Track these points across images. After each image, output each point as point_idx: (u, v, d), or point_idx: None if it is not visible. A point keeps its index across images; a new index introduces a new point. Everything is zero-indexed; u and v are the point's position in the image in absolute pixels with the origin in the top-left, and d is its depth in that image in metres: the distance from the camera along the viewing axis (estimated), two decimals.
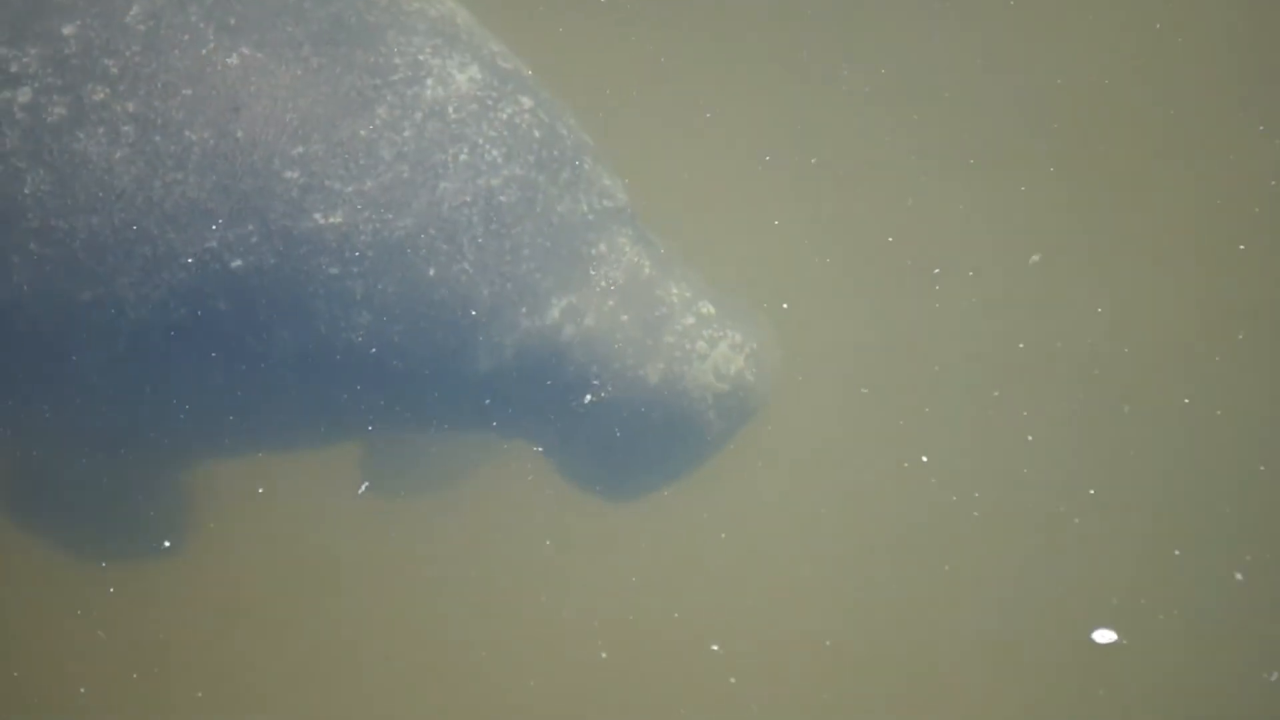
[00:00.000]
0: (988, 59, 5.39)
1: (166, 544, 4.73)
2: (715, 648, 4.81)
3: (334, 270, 4.03)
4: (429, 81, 4.14)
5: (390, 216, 4.04)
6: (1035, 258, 5.12)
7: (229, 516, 4.86)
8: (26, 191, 4.00)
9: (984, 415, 4.98)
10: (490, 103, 4.20)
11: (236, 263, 4.01)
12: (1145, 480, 4.95)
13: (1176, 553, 4.87)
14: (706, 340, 4.29)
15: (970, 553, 4.89)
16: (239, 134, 4.00)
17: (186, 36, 4.05)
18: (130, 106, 4.00)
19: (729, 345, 4.31)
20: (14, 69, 4.02)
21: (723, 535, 4.89)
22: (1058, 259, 5.13)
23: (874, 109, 5.33)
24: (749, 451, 4.94)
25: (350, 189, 4.02)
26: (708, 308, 4.33)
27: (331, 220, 4.02)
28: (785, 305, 5.04)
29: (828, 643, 4.83)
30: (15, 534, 4.69)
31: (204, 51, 4.04)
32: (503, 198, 4.12)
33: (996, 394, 5.00)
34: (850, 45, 5.41)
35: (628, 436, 4.28)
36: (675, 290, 4.30)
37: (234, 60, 4.04)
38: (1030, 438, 4.94)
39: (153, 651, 4.80)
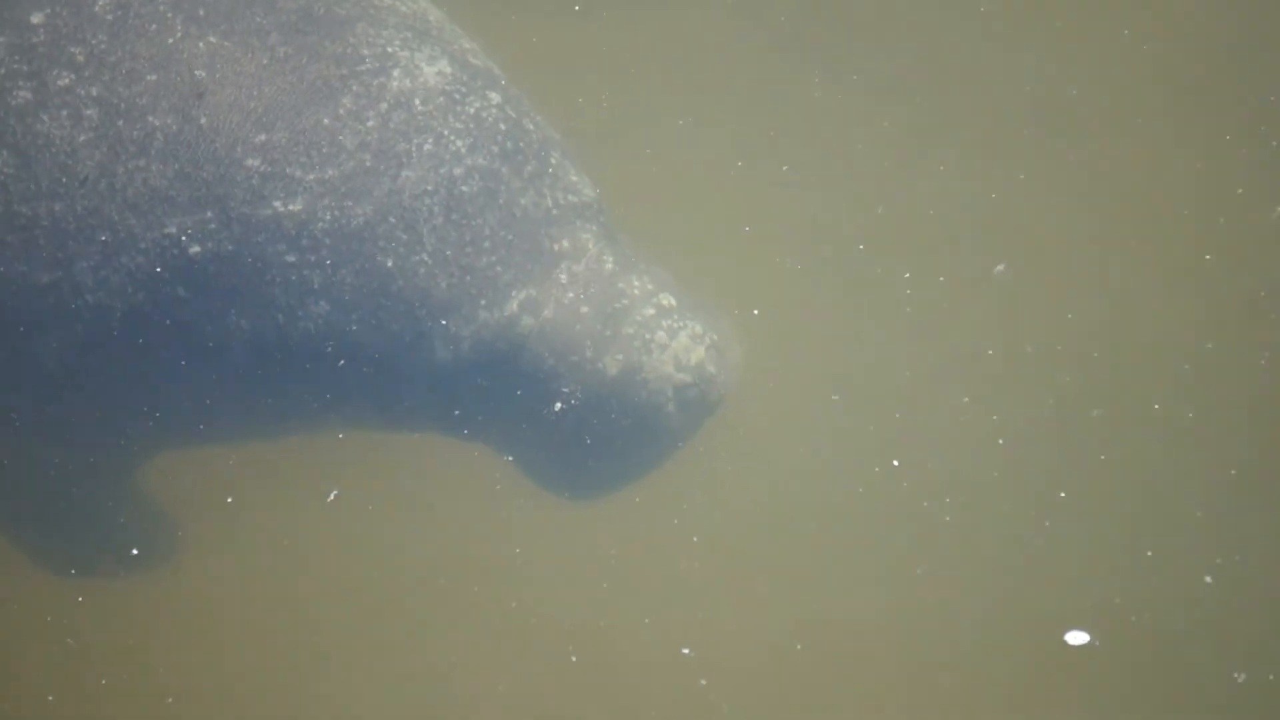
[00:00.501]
0: (959, 66, 5.45)
1: (134, 551, 4.73)
2: (685, 651, 4.82)
3: (291, 258, 4.02)
4: (396, 73, 4.14)
5: (350, 204, 4.03)
6: (1000, 268, 5.14)
7: (198, 522, 4.87)
8: None
9: (955, 420, 5.00)
10: (458, 96, 4.19)
11: (195, 249, 3.99)
12: (1116, 484, 4.96)
13: (1149, 554, 4.90)
14: (666, 331, 4.27)
15: (942, 556, 4.89)
16: (202, 120, 4.00)
17: (154, 26, 4.05)
18: (94, 91, 4.00)
19: (689, 335, 4.29)
20: None
21: (695, 539, 4.89)
22: (1028, 265, 5.16)
23: (846, 115, 5.35)
24: (721, 456, 4.96)
25: (311, 177, 4.02)
26: (669, 299, 4.31)
27: (291, 208, 4.01)
28: (755, 311, 5.05)
29: (799, 646, 4.84)
30: None
31: (171, 40, 4.04)
32: (465, 188, 4.11)
33: (966, 399, 5.02)
34: (824, 51, 5.45)
35: (588, 429, 4.26)
36: (637, 283, 4.29)
37: (201, 48, 4.04)
38: (1001, 441, 4.96)
39: (121, 658, 4.80)
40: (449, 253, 4.08)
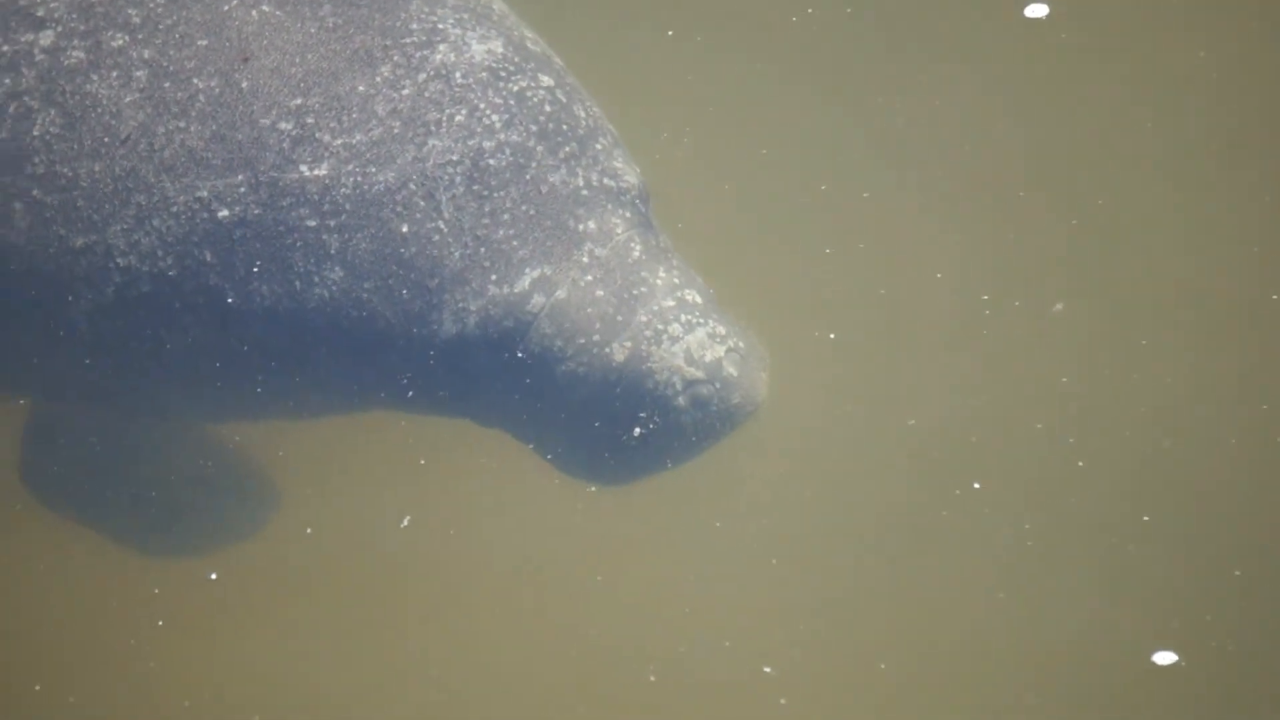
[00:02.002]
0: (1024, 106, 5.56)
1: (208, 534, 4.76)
2: (767, 669, 4.81)
3: (312, 223, 4.02)
4: (442, 47, 4.14)
5: (373, 170, 4.03)
6: (1058, 306, 5.19)
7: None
8: (35, 134, 4.07)
9: (1032, 446, 5.03)
10: (504, 74, 4.17)
11: (223, 213, 4.03)
12: (1198, 507, 4.99)
13: (1237, 573, 4.91)
14: (683, 325, 4.14)
15: (1025, 580, 4.87)
16: (244, 84, 4.06)
17: None
18: (146, 53, 4.08)
19: (707, 333, 4.16)
20: (40, 13, 4.13)
21: (773, 561, 4.90)
22: (1103, 295, 5.22)
23: (925, 145, 5.41)
24: (796, 485, 4.96)
25: (339, 142, 4.03)
26: (693, 295, 4.19)
27: (316, 172, 4.02)
28: (832, 335, 5.08)
29: (883, 665, 4.82)
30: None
31: (226, 7, 4.12)
32: (492, 160, 4.08)
33: (1040, 426, 5.05)
34: (893, 91, 5.55)
35: (594, 416, 4.15)
36: (663, 274, 4.17)
37: (253, 15, 4.11)
38: (1080, 464, 4.99)
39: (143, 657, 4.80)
40: (465, 223, 4.04)
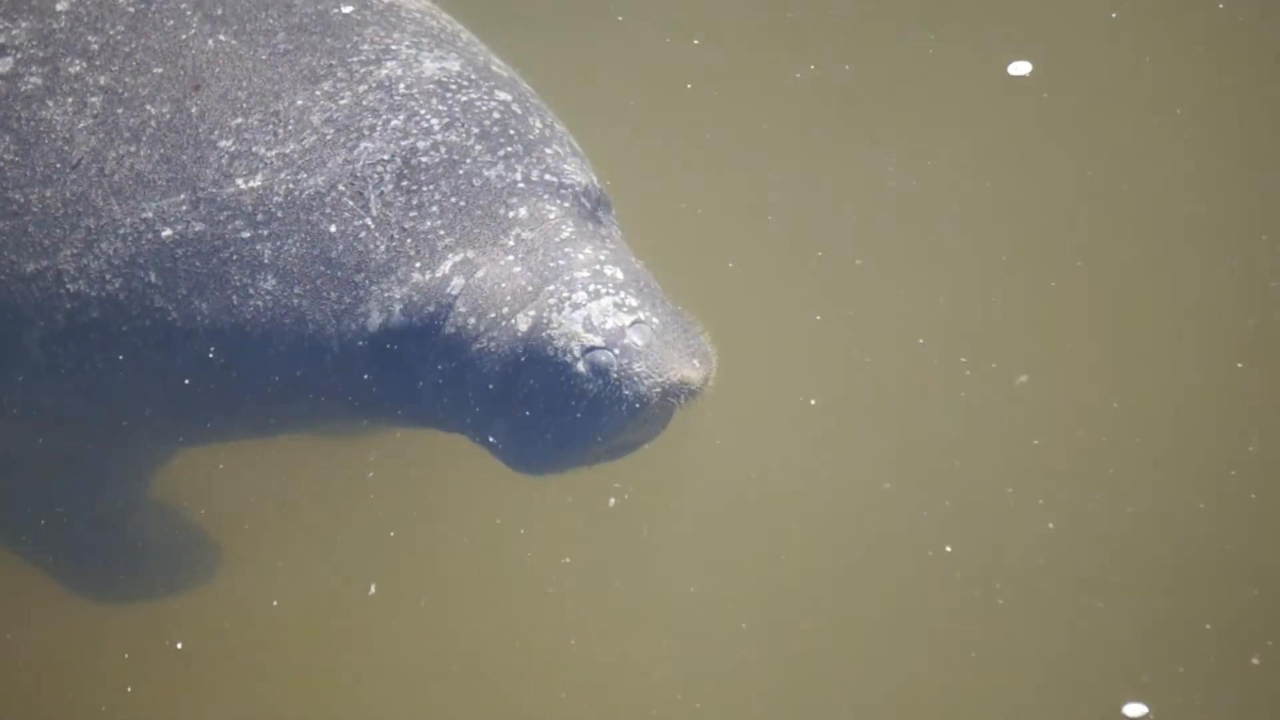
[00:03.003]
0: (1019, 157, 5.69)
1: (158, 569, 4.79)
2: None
3: (246, 234, 4.02)
4: (390, 64, 4.15)
5: (304, 176, 4.02)
6: (1023, 378, 5.26)
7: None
8: None
9: (1003, 508, 5.07)
10: (454, 88, 4.16)
11: (166, 232, 4.04)
12: (1167, 566, 5.04)
13: (1207, 627, 4.94)
14: (589, 293, 4.00)
15: (995, 639, 4.89)
16: (193, 109, 4.09)
17: (171, 21, 4.19)
18: (102, 80, 4.13)
19: (614, 302, 4.00)
20: (1, 40, 4.20)
21: (743, 625, 4.95)
22: (1077, 352, 5.27)
23: (912, 202, 5.48)
24: (768, 539, 5.00)
25: (273, 153, 4.04)
26: (614, 271, 4.06)
27: (251, 184, 4.03)
28: (812, 401, 5.09)
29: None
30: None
31: (184, 36, 4.17)
32: (424, 159, 4.05)
33: (1011, 490, 5.11)
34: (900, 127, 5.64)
35: (509, 393, 4.03)
36: (588, 250, 4.08)
37: (209, 45, 4.15)
38: (1051, 526, 5.03)
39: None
40: (392, 217, 4.01)
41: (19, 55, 4.18)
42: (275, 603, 4.89)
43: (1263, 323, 5.26)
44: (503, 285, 4.00)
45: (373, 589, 4.85)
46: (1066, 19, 5.74)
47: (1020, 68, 5.64)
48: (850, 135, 5.61)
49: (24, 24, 4.21)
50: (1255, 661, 4.83)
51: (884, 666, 4.90)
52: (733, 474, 5.05)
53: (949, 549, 4.97)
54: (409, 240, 4.01)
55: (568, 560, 4.91)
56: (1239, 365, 5.21)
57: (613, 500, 4.85)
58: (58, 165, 4.10)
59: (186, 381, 4.13)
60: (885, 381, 5.18)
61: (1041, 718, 4.83)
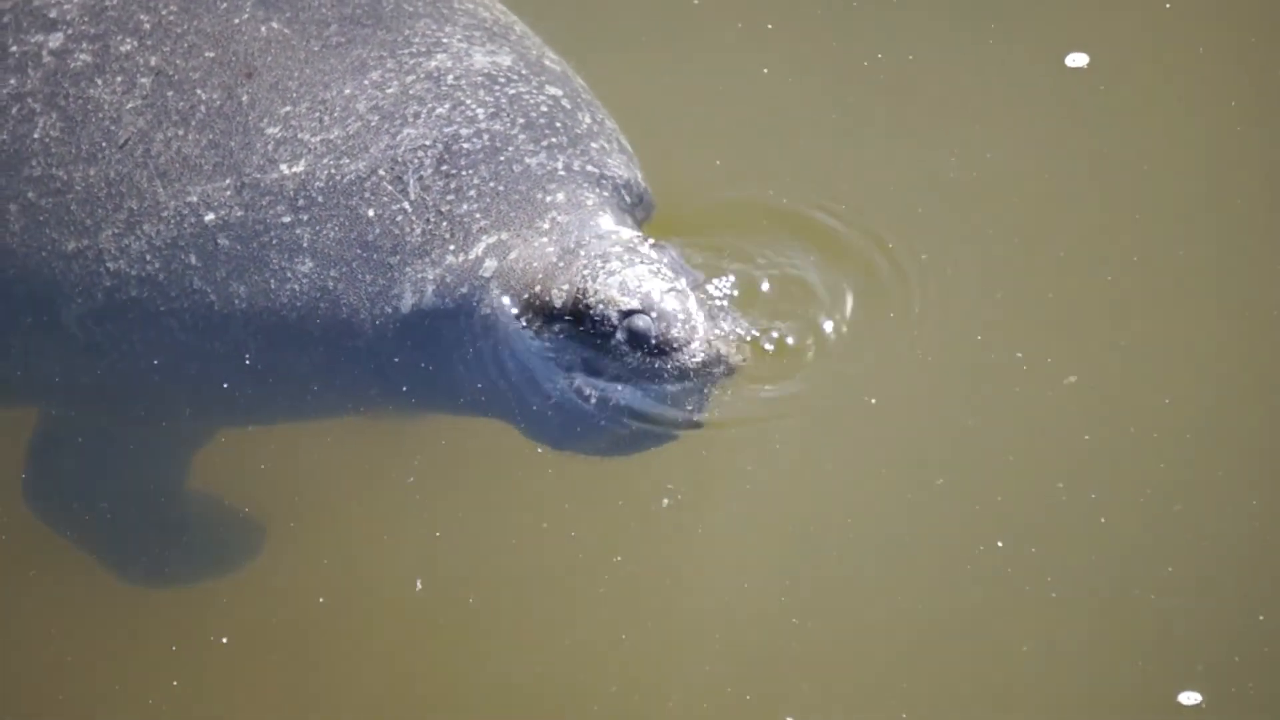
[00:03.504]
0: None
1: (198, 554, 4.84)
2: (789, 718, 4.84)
3: (287, 219, 4.05)
4: (440, 55, 4.17)
5: (346, 161, 4.04)
6: (1071, 379, 5.23)
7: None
8: (35, 136, 4.13)
9: (1054, 503, 5.06)
10: (503, 81, 4.17)
11: (209, 216, 4.06)
12: (1221, 557, 5.01)
13: (1261, 618, 4.91)
14: (622, 261, 4.00)
15: (1048, 632, 4.87)
16: (244, 97, 4.11)
17: (224, 4, 4.20)
18: (153, 60, 4.14)
19: (650, 271, 3.99)
20: (53, 14, 4.19)
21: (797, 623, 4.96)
22: (1131, 347, 5.23)
23: (969, 200, 5.48)
24: (826, 542, 4.99)
25: (317, 139, 4.06)
26: (648, 249, 4.04)
27: (294, 170, 4.05)
28: (873, 401, 5.11)
29: (904, 716, 4.85)
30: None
31: (237, 20, 4.18)
32: (466, 145, 4.07)
33: (1061, 485, 5.10)
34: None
35: (549, 371, 4.04)
36: (623, 232, 4.07)
37: (262, 31, 4.16)
38: (1103, 520, 5.02)
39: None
40: (430, 200, 4.03)
41: (70, 31, 4.18)
42: (321, 599, 4.93)
43: None
44: (535, 264, 4.00)
45: (419, 585, 4.88)
46: (1123, 10, 5.73)
47: (1077, 59, 5.63)
48: (911, 127, 5.62)
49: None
50: None
51: (937, 660, 4.89)
52: (786, 472, 5.05)
53: (1000, 544, 4.95)
54: (444, 223, 4.03)
55: (619, 559, 4.93)
56: None
57: (666, 500, 4.87)
58: (103, 145, 4.11)
59: (222, 363, 4.16)
60: (942, 377, 5.16)
61: (1096, 707, 4.80)
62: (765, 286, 4.94)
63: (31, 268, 4.15)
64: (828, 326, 5.03)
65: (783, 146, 5.57)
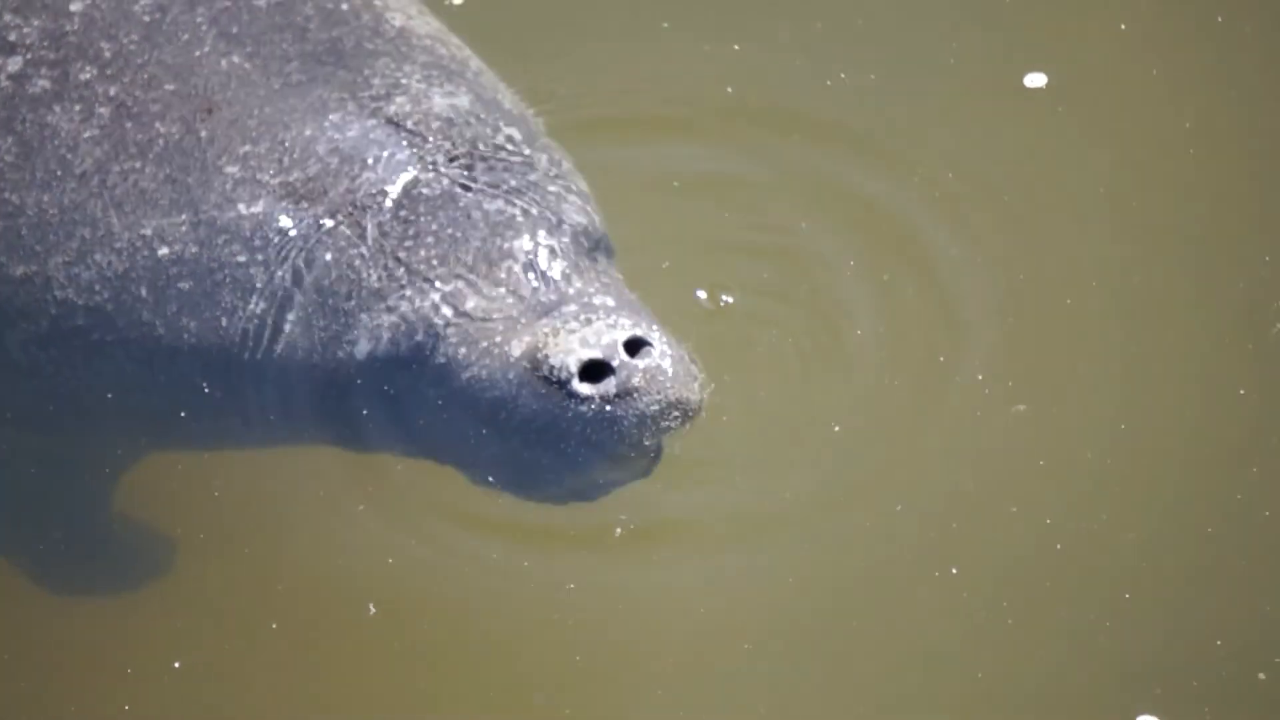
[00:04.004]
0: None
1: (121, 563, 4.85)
2: None
3: (242, 258, 4.03)
4: (400, 99, 4.17)
5: (305, 204, 4.04)
6: (1020, 407, 5.26)
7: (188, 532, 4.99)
8: None
9: (1008, 528, 5.11)
10: (460, 123, 4.19)
11: (163, 251, 4.04)
12: (1181, 585, 5.06)
13: (1218, 643, 4.96)
14: (580, 321, 4.00)
15: (1003, 657, 4.89)
16: (203, 133, 4.08)
17: (186, 35, 4.17)
18: (112, 90, 4.11)
19: (607, 325, 3.98)
20: (12, 37, 4.16)
21: (745, 648, 4.99)
22: (1087, 371, 5.25)
23: (927, 223, 5.50)
24: (777, 556, 5.01)
25: (277, 180, 4.05)
26: (605, 300, 4.06)
27: (252, 210, 4.03)
28: (836, 428, 5.11)
29: None
30: None
31: (198, 53, 4.16)
32: (424, 189, 4.07)
33: (1015, 509, 5.13)
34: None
35: (507, 420, 4.03)
36: (578, 284, 4.08)
37: (223, 65, 4.15)
38: (1059, 547, 5.06)
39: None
40: (387, 246, 4.02)
41: (29, 55, 4.16)
42: (274, 625, 4.94)
43: (1260, 346, 5.27)
44: (494, 315, 4.01)
45: (372, 609, 4.90)
46: (1081, 31, 5.77)
47: (1036, 79, 5.67)
48: (874, 145, 5.63)
49: (36, 22, 4.19)
50: (1262, 677, 4.84)
51: (892, 687, 4.91)
52: (740, 497, 5.07)
53: (954, 571, 4.99)
54: (401, 269, 4.02)
55: (571, 586, 4.95)
56: (1240, 391, 5.21)
57: (619, 530, 4.90)
58: (58, 172, 4.10)
59: (166, 395, 4.15)
60: (905, 402, 5.19)
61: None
62: (728, 301, 4.97)
63: None
64: (789, 350, 5.07)
65: (736, 169, 5.59)
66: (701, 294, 5.19)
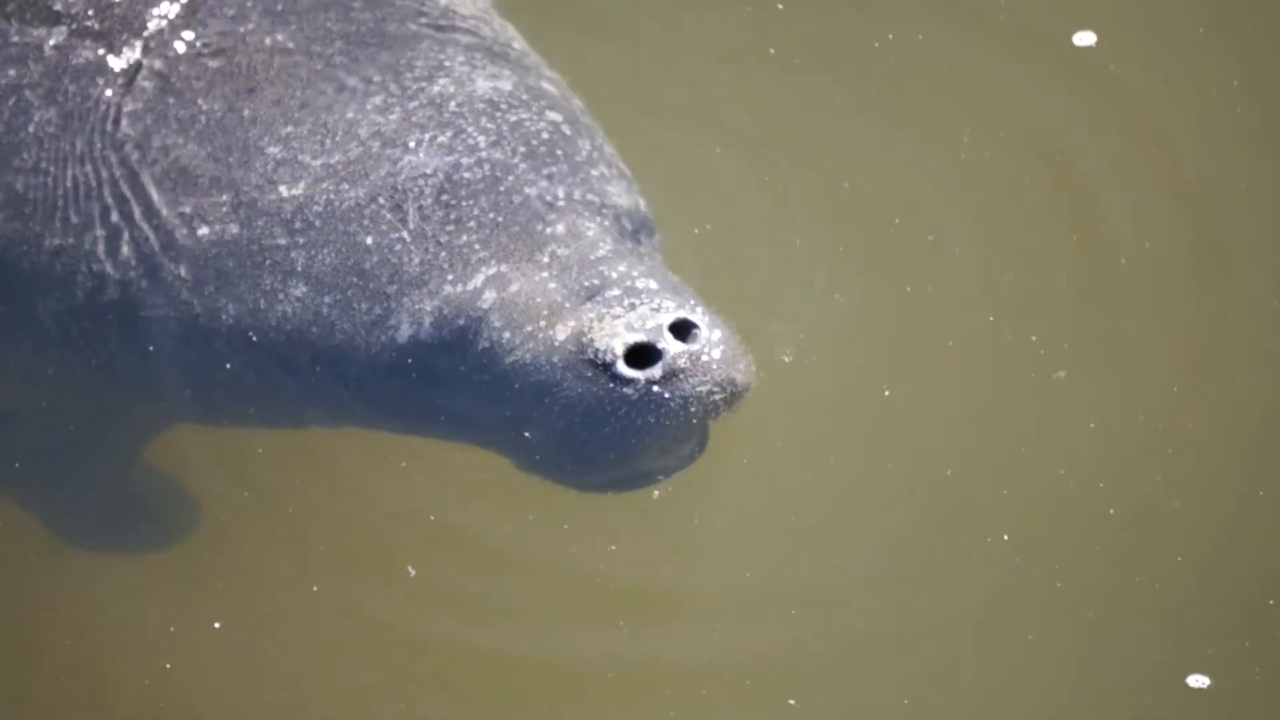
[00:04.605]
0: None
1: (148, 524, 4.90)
2: (791, 701, 4.87)
3: (282, 241, 4.03)
4: (442, 80, 4.15)
5: (346, 187, 4.03)
6: (1061, 374, 5.25)
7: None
8: (30, 130, 4.11)
9: (1064, 493, 5.09)
10: (505, 107, 4.16)
11: (203, 230, 4.05)
12: (1234, 548, 5.05)
13: (1271, 603, 4.95)
14: (625, 306, 3.96)
15: (1056, 622, 4.90)
16: (245, 112, 4.08)
17: (231, 11, 4.18)
18: (156, 64, 4.11)
19: (651, 308, 3.94)
20: (58, 7, 4.16)
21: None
22: (1139, 334, 5.25)
23: (984, 185, 5.51)
24: (809, 552, 5.04)
25: (318, 162, 4.04)
26: (648, 284, 4.02)
27: (293, 192, 4.03)
28: (887, 392, 5.11)
29: (906, 701, 4.88)
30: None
31: (242, 29, 4.15)
32: (467, 174, 4.05)
33: (1063, 472, 5.09)
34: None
35: (550, 405, 4.01)
36: (622, 268, 4.04)
37: (266, 43, 4.14)
38: (1112, 512, 5.05)
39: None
40: (429, 230, 4.01)
41: (74, 26, 4.16)
42: (315, 588, 4.96)
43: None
44: (537, 300, 3.98)
45: (412, 571, 4.91)
46: None
47: (1085, 38, 5.65)
48: (920, 111, 5.62)
49: None
50: None
51: (942, 648, 4.92)
52: (790, 462, 5.07)
53: (1006, 537, 4.98)
54: (443, 254, 4.02)
55: (613, 548, 4.95)
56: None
57: (656, 493, 4.89)
58: (98, 145, 4.10)
59: (200, 372, 4.16)
60: (957, 370, 5.19)
61: (1105, 690, 4.83)
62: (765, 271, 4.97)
63: (10, 259, 4.14)
64: (829, 317, 5.07)
65: (786, 129, 5.58)
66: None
